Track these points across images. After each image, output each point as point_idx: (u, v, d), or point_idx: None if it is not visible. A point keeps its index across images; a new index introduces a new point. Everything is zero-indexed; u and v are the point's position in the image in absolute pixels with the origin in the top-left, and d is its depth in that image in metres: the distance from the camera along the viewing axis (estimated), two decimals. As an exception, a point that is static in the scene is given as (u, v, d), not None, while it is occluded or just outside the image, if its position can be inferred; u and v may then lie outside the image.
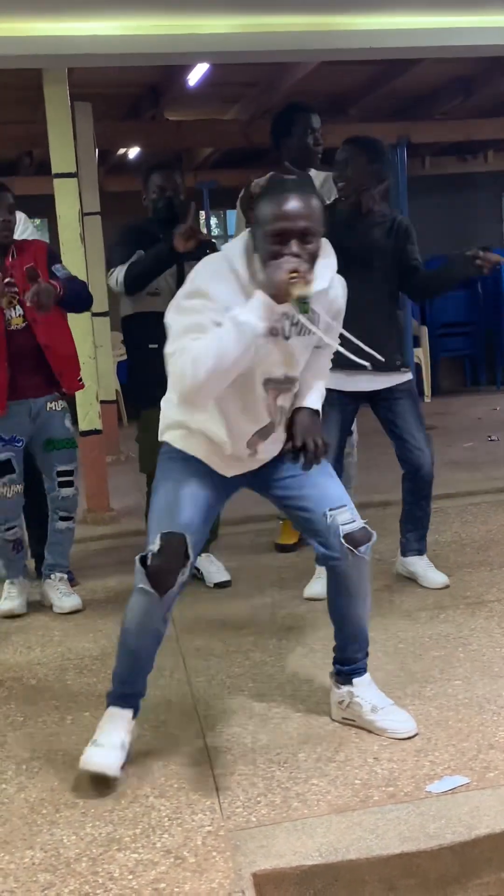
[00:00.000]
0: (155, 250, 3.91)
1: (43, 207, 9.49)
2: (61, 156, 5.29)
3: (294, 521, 2.78)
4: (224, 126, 8.62)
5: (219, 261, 2.53)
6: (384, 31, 5.36)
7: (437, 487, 5.58)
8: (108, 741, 2.59)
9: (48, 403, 3.96)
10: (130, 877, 2.13)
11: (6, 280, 3.74)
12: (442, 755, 2.55)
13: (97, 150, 7.48)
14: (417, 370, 9.57)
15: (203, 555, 4.31)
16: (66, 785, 2.57)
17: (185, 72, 6.96)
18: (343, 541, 2.58)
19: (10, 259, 3.84)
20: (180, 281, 3.90)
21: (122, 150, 9.34)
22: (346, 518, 2.61)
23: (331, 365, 2.81)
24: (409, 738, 2.65)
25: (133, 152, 9.38)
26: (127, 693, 2.68)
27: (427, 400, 9.94)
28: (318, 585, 3.85)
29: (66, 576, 4.15)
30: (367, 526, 2.65)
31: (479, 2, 5.23)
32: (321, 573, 3.87)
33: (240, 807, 2.39)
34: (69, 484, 4.03)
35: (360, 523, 2.63)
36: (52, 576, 4.11)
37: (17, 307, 3.80)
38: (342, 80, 7.61)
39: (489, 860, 2.19)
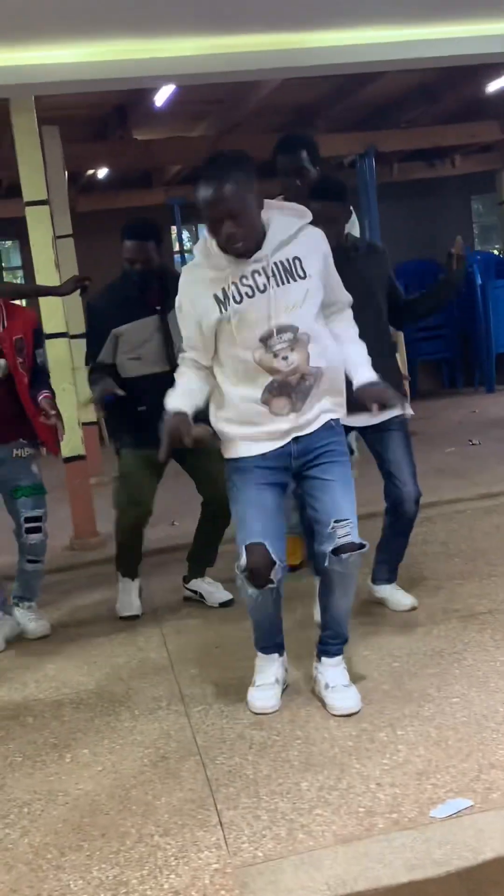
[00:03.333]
0: (98, 390, 4.02)
1: (14, 230, 9.52)
2: (32, 184, 5.29)
3: (304, 513, 3.18)
4: (192, 143, 8.64)
5: (184, 270, 3.07)
6: (347, 46, 5.38)
7: (423, 496, 5.64)
8: (265, 680, 3.17)
9: (14, 451, 4.04)
10: (140, 921, 2.12)
11: None
12: (443, 777, 2.56)
13: (67, 173, 7.47)
14: (396, 376, 9.58)
15: (199, 579, 4.34)
16: (69, 827, 2.56)
17: (151, 92, 6.97)
18: (333, 551, 2.96)
19: (2, 325, 3.97)
20: (166, 334, 3.96)
21: (91, 171, 9.34)
22: (345, 532, 2.96)
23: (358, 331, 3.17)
24: (346, 714, 3.00)
25: (102, 172, 9.37)
26: (269, 645, 3.21)
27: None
28: None
29: (33, 604, 4.23)
30: (361, 542, 3.00)
31: (438, 14, 5.25)
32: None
33: (245, 842, 2.39)
34: (37, 530, 4.08)
35: (354, 538, 2.98)
36: (21, 604, 4.22)
37: None
38: (307, 93, 7.65)
39: (496, 883, 2.19)
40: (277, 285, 2.89)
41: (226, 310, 2.90)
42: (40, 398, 4.01)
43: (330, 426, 3.07)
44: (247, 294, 2.89)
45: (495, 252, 12.61)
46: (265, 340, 2.90)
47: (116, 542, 4.27)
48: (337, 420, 3.11)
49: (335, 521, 2.96)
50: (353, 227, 4.29)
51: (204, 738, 2.99)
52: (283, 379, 2.93)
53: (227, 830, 2.45)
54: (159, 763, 2.86)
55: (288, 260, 2.90)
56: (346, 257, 3.56)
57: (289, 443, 3.00)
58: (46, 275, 5.37)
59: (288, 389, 2.94)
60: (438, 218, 11.81)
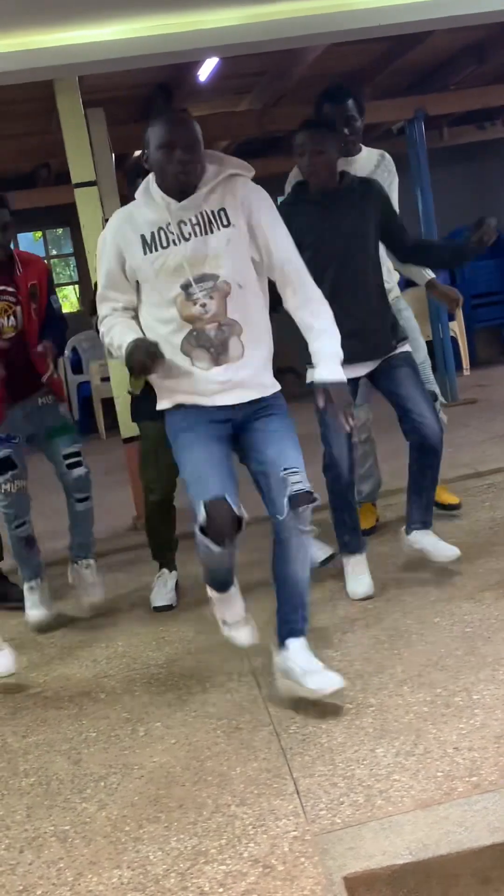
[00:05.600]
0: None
1: (65, 216, 9.55)
2: (80, 165, 5.28)
3: (252, 474, 3.00)
4: (238, 118, 8.58)
5: (117, 212, 3.06)
6: (393, 6, 5.27)
7: (486, 462, 5.58)
8: (235, 618, 3.14)
9: (39, 399, 4.06)
10: (221, 890, 2.11)
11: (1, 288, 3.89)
12: (523, 740, 2.51)
13: (114, 155, 7.46)
14: (454, 344, 9.45)
15: None
16: (145, 799, 2.56)
17: (194, 68, 6.91)
18: (288, 498, 2.82)
19: (18, 272, 3.95)
20: None
21: (138, 153, 9.31)
22: (297, 479, 2.85)
23: (319, 295, 3.04)
24: (334, 691, 2.83)
25: (149, 153, 9.34)
26: (223, 585, 3.11)
27: (466, 372, 9.84)
28: (362, 584, 3.79)
29: (92, 561, 4.21)
30: (312, 492, 2.87)
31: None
32: (355, 570, 3.82)
33: (323, 809, 2.37)
34: (78, 464, 4.10)
35: (307, 487, 2.86)
36: (80, 561, 4.20)
37: (10, 318, 3.90)
38: (353, 59, 7.53)
39: None
40: (201, 234, 2.89)
41: (150, 251, 2.90)
42: (40, 347, 3.93)
43: (277, 396, 3.03)
44: (173, 241, 2.89)
45: (551, 214, 12.35)
46: (186, 288, 2.89)
47: (146, 527, 4.23)
48: (272, 394, 3.03)
49: (284, 469, 2.86)
50: (390, 176, 4.20)
51: (276, 707, 2.96)
52: (201, 328, 2.90)
53: (303, 798, 2.43)
54: (233, 734, 2.85)
55: (214, 211, 2.90)
56: (336, 197, 3.59)
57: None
58: (98, 257, 5.36)
59: (206, 341, 2.91)
60: (492, 181, 11.58)
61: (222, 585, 3.13)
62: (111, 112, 7.03)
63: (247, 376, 2.96)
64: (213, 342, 2.91)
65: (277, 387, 3.05)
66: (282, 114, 8.38)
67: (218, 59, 6.60)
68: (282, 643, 2.97)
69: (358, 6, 5.24)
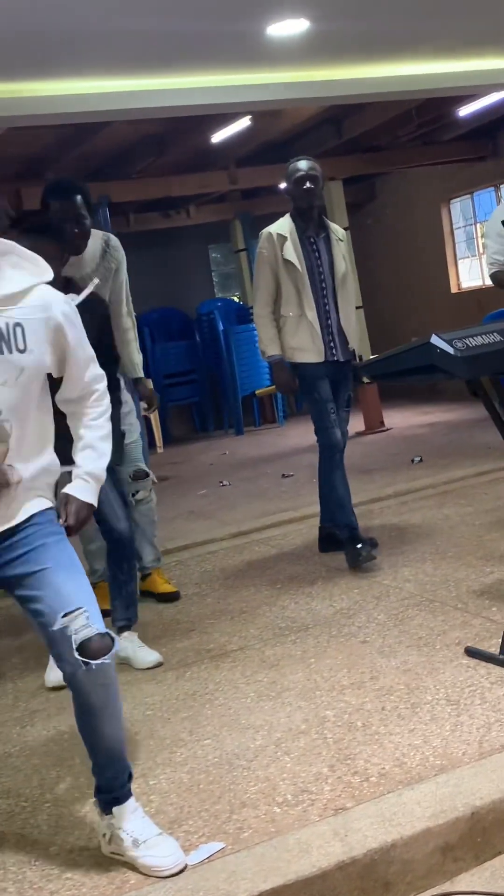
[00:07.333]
0: None
1: None
2: None
3: (34, 628, 2.41)
4: None
5: None
6: (71, 95, 5.40)
7: (175, 540, 5.68)
8: None
9: None
10: None
11: None
12: (196, 822, 2.51)
13: None
14: (147, 422, 9.64)
15: None
16: None
17: None
18: (76, 651, 2.26)
19: None
20: None
21: None
22: (81, 623, 2.27)
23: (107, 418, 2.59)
24: (174, 874, 2.28)
25: None
26: None
27: (160, 450, 10.04)
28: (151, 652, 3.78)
29: None
30: (108, 632, 2.31)
31: (162, 66, 5.37)
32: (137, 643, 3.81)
33: (-10, 920, 2.25)
34: None
35: (97, 629, 2.28)
36: None
37: None
38: (34, 143, 7.59)
39: (250, 924, 2.16)
40: None
41: None
42: None
43: (35, 521, 2.42)
44: None
45: (235, 299, 12.97)
46: None
47: None
48: (48, 509, 2.47)
49: (63, 616, 2.27)
50: (117, 260, 4.23)
51: None
52: None
53: (-31, 913, 2.30)
54: None
55: (8, 325, 2.30)
56: None
57: None
58: None
59: None
60: (179, 267, 12.03)
61: None
62: None
63: (19, 511, 2.39)
64: None
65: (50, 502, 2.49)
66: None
67: None
68: (106, 810, 2.43)
69: (36, 93, 5.32)
